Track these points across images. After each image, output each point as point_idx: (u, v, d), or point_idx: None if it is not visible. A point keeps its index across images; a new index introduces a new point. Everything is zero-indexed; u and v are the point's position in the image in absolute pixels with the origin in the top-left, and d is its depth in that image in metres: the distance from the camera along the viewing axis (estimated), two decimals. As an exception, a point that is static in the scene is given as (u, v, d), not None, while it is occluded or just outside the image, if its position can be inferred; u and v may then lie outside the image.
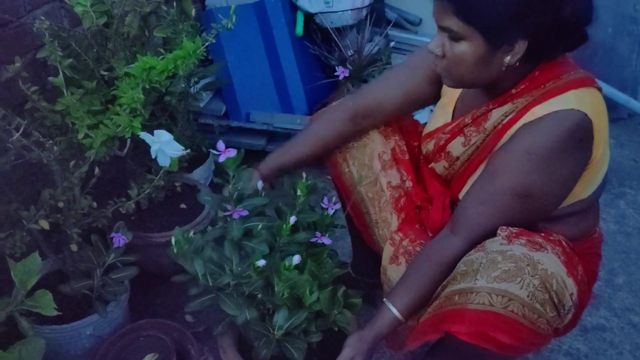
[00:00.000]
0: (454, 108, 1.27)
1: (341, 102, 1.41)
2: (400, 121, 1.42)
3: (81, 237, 1.36)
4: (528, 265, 1.02)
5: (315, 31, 2.42)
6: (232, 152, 1.17)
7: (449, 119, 1.26)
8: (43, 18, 1.37)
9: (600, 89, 1.13)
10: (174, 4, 1.58)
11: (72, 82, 1.32)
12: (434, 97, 1.34)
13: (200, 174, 1.99)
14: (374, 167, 1.36)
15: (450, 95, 1.28)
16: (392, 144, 1.39)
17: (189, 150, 1.15)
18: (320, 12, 2.39)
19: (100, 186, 1.36)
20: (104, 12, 1.30)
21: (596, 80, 1.14)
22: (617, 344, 1.54)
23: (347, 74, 1.95)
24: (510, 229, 1.10)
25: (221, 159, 1.18)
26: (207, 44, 1.12)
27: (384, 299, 1.17)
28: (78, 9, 1.21)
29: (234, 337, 1.33)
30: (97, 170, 1.31)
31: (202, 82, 1.80)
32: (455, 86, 1.18)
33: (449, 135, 1.23)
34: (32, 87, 1.23)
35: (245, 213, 1.20)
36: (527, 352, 1.10)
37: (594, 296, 1.33)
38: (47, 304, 0.95)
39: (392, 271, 1.30)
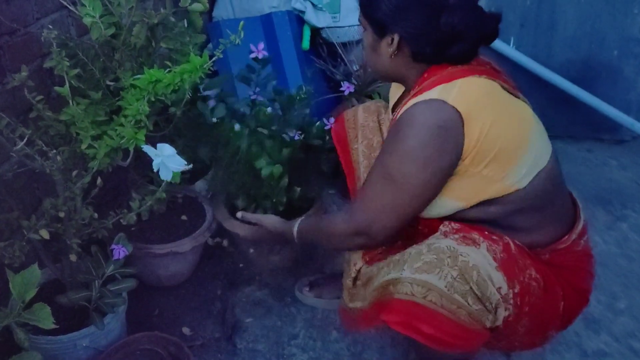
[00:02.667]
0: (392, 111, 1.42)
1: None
2: None
3: (81, 247, 1.35)
4: (449, 257, 1.08)
5: (322, 45, 2.42)
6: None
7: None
8: (51, 27, 1.37)
9: (491, 75, 1.17)
10: (182, 16, 1.59)
11: (78, 91, 1.32)
12: None
13: (202, 186, 1.98)
14: (377, 152, 1.45)
15: (393, 101, 1.43)
16: None
17: (191, 165, 1.15)
18: (327, 27, 2.40)
19: (102, 195, 1.35)
20: (113, 23, 1.30)
21: (488, 66, 1.21)
22: (617, 369, 1.53)
23: (352, 90, 1.95)
24: (453, 224, 1.17)
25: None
26: (214, 58, 1.12)
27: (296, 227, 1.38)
28: (87, 20, 1.21)
29: (224, 200, 1.76)
30: (99, 180, 1.31)
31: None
32: (375, 76, 1.50)
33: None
34: (37, 96, 1.23)
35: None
36: (457, 348, 1.10)
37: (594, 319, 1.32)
38: (45, 317, 0.94)
39: (353, 253, 1.44)
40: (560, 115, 2.48)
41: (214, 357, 1.54)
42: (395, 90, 1.41)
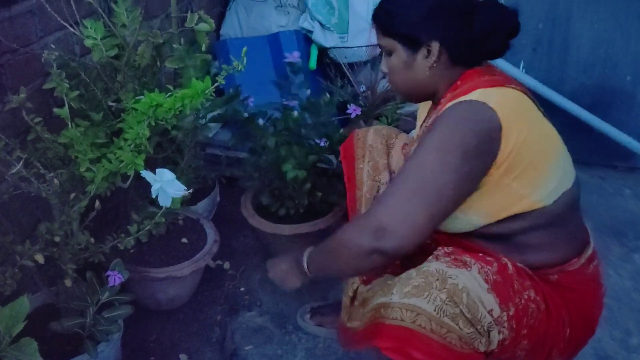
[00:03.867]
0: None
1: None
2: None
3: (77, 271, 1.32)
4: (437, 279, 1.05)
5: (329, 65, 2.40)
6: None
7: None
8: (53, 46, 1.35)
9: (523, 91, 1.16)
10: (189, 35, 1.57)
11: (79, 112, 1.30)
12: None
13: (205, 207, 1.95)
14: (382, 177, 1.45)
15: (420, 122, 1.40)
16: None
17: (191, 190, 1.12)
18: (334, 47, 2.38)
19: (101, 216, 1.33)
20: (115, 45, 1.28)
21: (516, 82, 1.19)
22: (630, 411, 1.46)
23: (358, 112, 1.92)
24: (445, 248, 1.15)
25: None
26: (216, 84, 1.09)
27: (305, 255, 1.26)
28: (88, 42, 1.19)
29: (252, 197, 1.87)
30: (97, 203, 1.28)
31: (211, 114, 1.77)
32: (404, 99, 1.33)
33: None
34: (36, 117, 1.20)
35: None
36: None
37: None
38: (31, 353, 0.90)
39: None
40: (573, 142, 2.38)
41: (210, 387, 1.50)
42: (423, 110, 1.39)
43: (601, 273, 1.24)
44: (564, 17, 2.35)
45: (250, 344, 1.63)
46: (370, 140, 1.49)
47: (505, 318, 1.06)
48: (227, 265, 1.89)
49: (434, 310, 1.03)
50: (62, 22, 1.32)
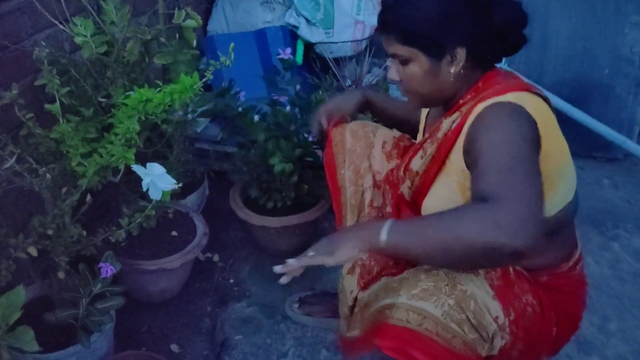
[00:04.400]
0: (424, 129, 1.34)
1: None
2: (406, 144, 1.48)
3: (70, 263, 1.34)
4: (447, 285, 1.05)
5: (315, 60, 2.44)
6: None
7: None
8: (44, 43, 1.37)
9: (544, 97, 1.14)
10: (176, 32, 1.59)
11: (69, 108, 1.32)
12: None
13: (194, 200, 1.98)
14: (365, 180, 1.44)
15: (422, 118, 1.37)
16: (389, 167, 1.44)
17: (181, 184, 1.15)
18: (320, 42, 2.41)
19: (93, 210, 1.35)
20: (105, 42, 1.31)
21: (538, 88, 1.16)
22: (607, 392, 1.52)
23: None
24: None
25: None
26: (205, 79, 1.12)
27: (390, 220, 1.04)
28: (78, 39, 1.22)
29: (240, 190, 1.92)
30: (88, 197, 1.30)
31: (201, 109, 1.80)
32: (419, 105, 1.25)
33: (411, 153, 1.27)
34: (28, 113, 1.22)
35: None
36: None
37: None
38: (28, 340, 0.93)
39: (348, 281, 1.36)
40: (553, 133, 2.49)
41: (202, 376, 1.53)
42: (423, 112, 1.37)
43: (584, 272, 1.27)
44: (542, 12, 2.41)
45: (240, 334, 1.66)
46: (349, 144, 1.47)
47: (507, 323, 1.08)
48: (216, 257, 1.93)
49: (442, 315, 1.04)
50: (51, 19, 1.34)
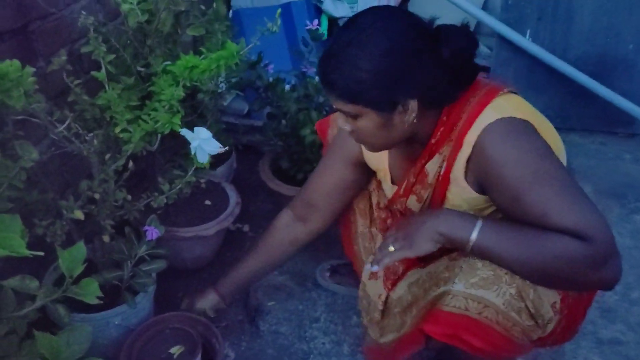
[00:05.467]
0: (391, 177, 1.30)
1: (279, 215, 1.50)
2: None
3: (112, 228, 1.38)
4: (506, 274, 1.05)
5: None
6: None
7: (395, 188, 1.28)
8: (84, 12, 1.40)
9: (513, 91, 1.13)
10: (209, 4, 1.61)
11: (111, 77, 1.35)
12: (365, 177, 1.39)
13: (223, 172, 2.01)
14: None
15: (381, 166, 1.31)
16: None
17: (227, 147, 1.18)
18: (344, 17, 2.42)
19: (130, 179, 1.39)
20: (147, 10, 1.33)
21: (506, 85, 1.12)
22: (632, 358, 1.56)
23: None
24: None
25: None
26: (250, 45, 1.15)
27: (480, 220, 1.06)
28: (125, 7, 1.24)
29: (270, 162, 1.96)
30: (131, 164, 1.34)
31: (234, 80, 1.83)
32: (376, 151, 1.19)
33: (404, 198, 1.25)
34: (75, 80, 1.25)
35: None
36: (500, 358, 1.12)
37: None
38: (92, 292, 0.97)
39: (371, 287, 1.34)
40: (576, 108, 2.50)
41: (238, 339, 1.58)
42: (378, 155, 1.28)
43: None
44: (568, -14, 2.40)
45: (273, 300, 1.71)
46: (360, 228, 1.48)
47: (559, 306, 1.08)
48: (246, 227, 1.96)
49: (503, 304, 1.05)
50: (92, -12, 1.36)
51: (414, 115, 1.06)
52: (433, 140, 1.13)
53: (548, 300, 1.07)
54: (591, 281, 1.01)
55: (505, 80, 1.16)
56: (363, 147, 1.27)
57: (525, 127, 1.05)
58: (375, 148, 1.18)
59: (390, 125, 1.08)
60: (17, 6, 1.28)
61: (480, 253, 1.05)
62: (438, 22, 1.11)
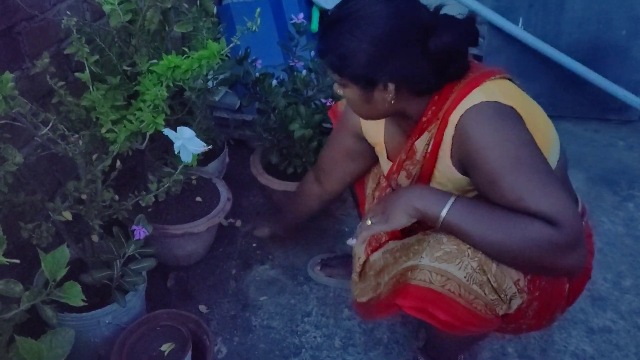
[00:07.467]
0: (387, 151, 1.35)
1: (308, 172, 1.68)
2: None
3: (101, 228, 1.39)
4: (469, 248, 1.08)
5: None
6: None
7: (390, 164, 1.32)
8: (69, 13, 1.39)
9: (508, 77, 1.14)
10: (196, 1, 1.61)
11: (96, 77, 1.35)
12: (369, 149, 1.43)
13: (215, 168, 2.02)
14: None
15: (377, 141, 1.36)
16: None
17: (210, 146, 1.18)
18: (335, 9, 2.41)
19: (119, 178, 1.39)
20: (130, 10, 1.33)
21: (500, 70, 1.14)
22: (623, 346, 1.57)
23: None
24: None
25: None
26: (231, 45, 1.15)
27: (452, 197, 1.08)
28: (106, 7, 1.24)
29: (260, 156, 1.97)
30: (118, 163, 1.34)
31: (222, 76, 1.83)
32: (366, 119, 1.26)
33: (396, 174, 1.28)
34: (59, 81, 1.25)
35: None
36: (469, 332, 1.14)
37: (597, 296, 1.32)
38: (75, 294, 0.98)
39: (358, 248, 1.39)
40: (568, 96, 2.49)
41: (230, 334, 1.59)
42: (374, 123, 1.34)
43: (590, 226, 1.30)
44: (560, -27, 2.39)
45: (265, 295, 1.72)
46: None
47: (525, 284, 1.10)
48: (238, 223, 1.98)
49: (464, 277, 1.07)
50: (76, -12, 1.35)
51: (391, 96, 1.11)
52: (424, 119, 1.16)
53: (511, 276, 1.08)
54: (556, 267, 1.02)
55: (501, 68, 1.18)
56: (362, 121, 1.37)
57: (508, 113, 1.06)
58: (363, 116, 1.24)
59: (371, 100, 1.14)
60: (3, 8, 1.28)
61: (450, 229, 1.08)
62: (444, 10, 1.13)
